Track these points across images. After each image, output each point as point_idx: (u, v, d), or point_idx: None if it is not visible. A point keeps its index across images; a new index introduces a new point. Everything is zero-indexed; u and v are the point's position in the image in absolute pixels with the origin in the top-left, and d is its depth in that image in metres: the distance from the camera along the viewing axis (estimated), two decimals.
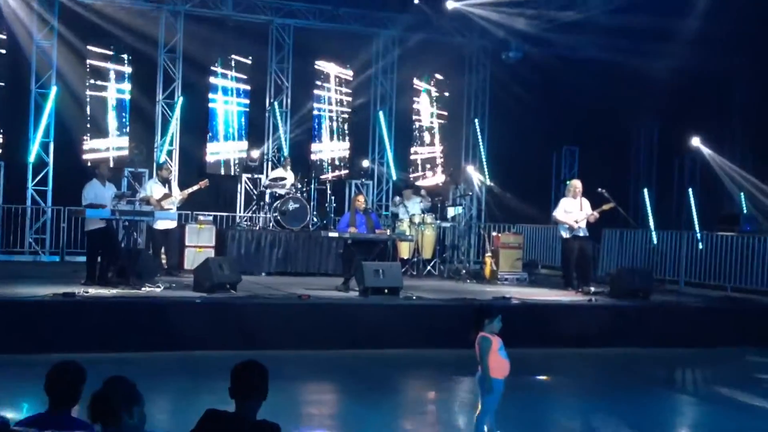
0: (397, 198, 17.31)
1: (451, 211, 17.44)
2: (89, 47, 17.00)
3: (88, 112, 17.09)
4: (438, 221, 16.74)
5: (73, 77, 16.79)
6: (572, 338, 11.77)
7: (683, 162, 20.28)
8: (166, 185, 14.19)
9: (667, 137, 20.20)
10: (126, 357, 9.56)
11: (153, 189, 14.08)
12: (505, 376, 6.30)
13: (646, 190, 18.74)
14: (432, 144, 20.31)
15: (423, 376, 10.27)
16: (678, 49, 16.38)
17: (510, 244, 16.12)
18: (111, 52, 17.16)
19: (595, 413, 8.69)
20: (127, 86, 17.32)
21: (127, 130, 17.33)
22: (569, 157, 20.59)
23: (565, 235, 14.03)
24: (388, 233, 13.91)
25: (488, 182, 19.85)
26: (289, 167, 16.62)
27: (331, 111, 19.21)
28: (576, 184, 14.32)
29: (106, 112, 17.14)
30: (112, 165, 16.12)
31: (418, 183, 19.30)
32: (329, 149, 19.23)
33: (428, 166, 20.27)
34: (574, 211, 14.02)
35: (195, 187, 14.30)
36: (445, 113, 20.37)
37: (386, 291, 12.06)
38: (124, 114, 17.29)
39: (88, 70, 17.06)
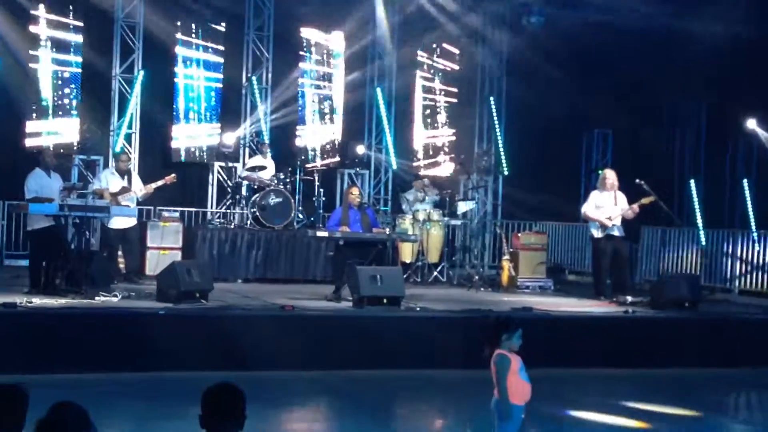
0: (419, 192, 17.18)
1: (461, 207, 17.46)
2: (33, 12, 16.95)
3: (33, 89, 17.05)
4: (446, 218, 16.75)
5: (16, 47, 16.73)
6: (605, 357, 11.80)
7: (737, 148, 20.26)
8: (125, 177, 14.19)
9: (717, 118, 20.14)
10: (76, 379, 9.56)
11: (109, 180, 14.09)
12: (526, 402, 6.31)
13: (692, 182, 18.75)
14: (439, 127, 20.31)
15: (428, 401, 10.29)
16: (731, 10, 16.36)
17: (532, 245, 16.14)
18: (60, 18, 17.11)
19: None
20: (77, 58, 17.27)
21: (78, 109, 17.29)
22: (601, 142, 20.60)
23: (597, 234, 14.06)
24: (387, 232, 13.92)
25: (506, 172, 19.87)
26: (268, 154, 16.62)
27: (319, 88, 19.20)
28: (609, 174, 14.36)
29: (54, 88, 17.11)
30: (61, 151, 16.08)
31: (422, 173, 19.31)
32: (317, 133, 19.22)
33: (433, 152, 20.27)
34: (607, 205, 14.05)
35: (160, 183, 14.33)
36: (455, 90, 20.36)
37: (385, 301, 12.07)
38: (74, 90, 17.26)
39: (33, 38, 17.01)
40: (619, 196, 14.14)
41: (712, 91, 19.52)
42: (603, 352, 11.84)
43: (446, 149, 20.25)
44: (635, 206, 13.98)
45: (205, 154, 18.14)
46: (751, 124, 18.14)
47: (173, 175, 14.54)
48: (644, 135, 19.64)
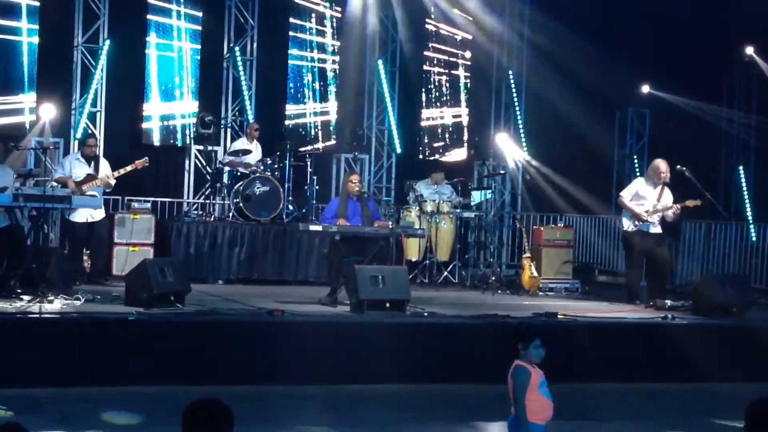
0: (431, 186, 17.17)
1: (476, 197, 17.49)
2: None
3: None
4: (458, 210, 16.79)
5: None
6: (640, 370, 11.84)
7: None
8: (92, 164, 14.25)
9: None
10: (34, 394, 9.60)
11: (74, 167, 14.14)
12: (547, 420, 6.36)
13: (741, 168, 18.79)
14: (450, 105, 20.34)
15: (436, 420, 10.34)
16: None
17: (556, 242, 16.20)
18: None
19: None
20: (34, 26, 17.28)
21: (35, 84, 17.31)
22: (637, 122, 20.59)
23: (628, 226, 14.04)
24: (391, 226, 13.96)
25: (527, 157, 19.90)
26: (254, 137, 16.63)
27: (313, 60, 19.23)
28: (663, 166, 14.11)
29: (9, 60, 17.14)
30: (11, 144, 16.09)
31: (432, 159, 19.35)
32: (310, 112, 19.26)
33: (443, 134, 20.32)
34: (649, 198, 14.02)
35: (129, 168, 14.34)
36: (468, 63, 20.38)
37: (388, 305, 12.12)
38: (30, 63, 17.27)
39: None
40: (666, 192, 14.09)
41: (765, 57, 19.39)
42: (638, 364, 11.89)
43: (458, 130, 20.27)
44: (677, 207, 13.92)
45: (180, 136, 18.18)
46: None
47: (145, 158, 14.53)
48: (686, 114, 19.60)
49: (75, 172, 14.08)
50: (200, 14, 18.28)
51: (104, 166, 14.48)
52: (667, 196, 14.08)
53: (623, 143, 20.63)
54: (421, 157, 19.85)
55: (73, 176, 14.03)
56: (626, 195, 14.20)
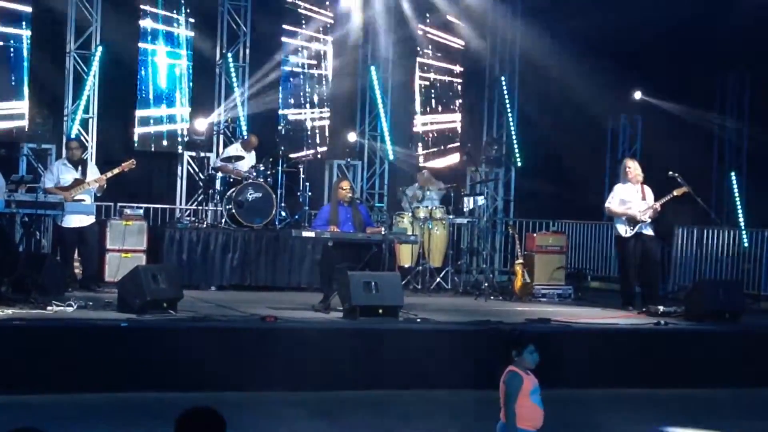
0: (419, 190, 17.13)
1: (468, 203, 17.50)
2: None
3: None
4: (451, 216, 16.79)
5: None
6: (633, 376, 11.83)
7: None
8: (79, 168, 14.22)
9: (763, 97, 20.13)
10: (31, 401, 9.58)
11: (61, 172, 14.11)
12: (537, 428, 6.34)
13: (734, 174, 18.80)
14: (443, 111, 20.34)
15: (428, 427, 10.33)
16: None
17: (549, 248, 16.20)
18: None
19: None
20: (26, 32, 17.28)
21: (26, 91, 17.30)
22: (630, 128, 20.62)
23: (624, 232, 14.06)
24: (383, 232, 13.96)
25: (520, 163, 19.92)
26: (252, 148, 16.58)
27: (306, 66, 19.23)
28: (630, 164, 14.28)
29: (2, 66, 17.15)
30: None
31: (423, 164, 19.34)
32: (303, 118, 19.26)
33: (435, 141, 20.31)
34: (633, 200, 14.06)
35: (116, 170, 14.33)
36: (461, 70, 20.38)
37: (381, 311, 12.11)
38: (20, 69, 17.26)
39: None
40: (646, 190, 14.15)
41: (758, 62, 19.36)
42: (631, 370, 11.87)
43: (450, 137, 20.28)
44: (661, 202, 13.93)
45: (173, 142, 18.17)
46: None
47: (132, 160, 14.50)
48: (678, 120, 19.63)
49: (63, 177, 14.08)
50: (193, 20, 18.29)
51: (92, 170, 14.43)
52: (650, 194, 14.13)
53: (615, 149, 20.66)
54: (413, 163, 19.83)
55: (61, 181, 14.02)
56: (612, 203, 14.22)
